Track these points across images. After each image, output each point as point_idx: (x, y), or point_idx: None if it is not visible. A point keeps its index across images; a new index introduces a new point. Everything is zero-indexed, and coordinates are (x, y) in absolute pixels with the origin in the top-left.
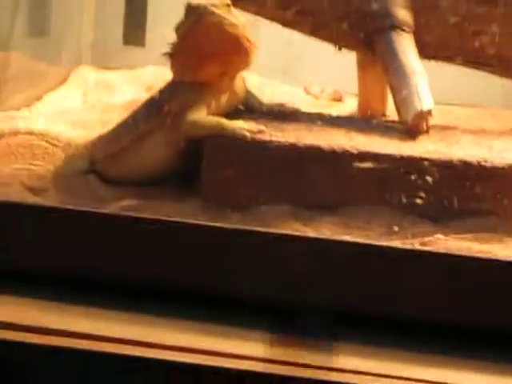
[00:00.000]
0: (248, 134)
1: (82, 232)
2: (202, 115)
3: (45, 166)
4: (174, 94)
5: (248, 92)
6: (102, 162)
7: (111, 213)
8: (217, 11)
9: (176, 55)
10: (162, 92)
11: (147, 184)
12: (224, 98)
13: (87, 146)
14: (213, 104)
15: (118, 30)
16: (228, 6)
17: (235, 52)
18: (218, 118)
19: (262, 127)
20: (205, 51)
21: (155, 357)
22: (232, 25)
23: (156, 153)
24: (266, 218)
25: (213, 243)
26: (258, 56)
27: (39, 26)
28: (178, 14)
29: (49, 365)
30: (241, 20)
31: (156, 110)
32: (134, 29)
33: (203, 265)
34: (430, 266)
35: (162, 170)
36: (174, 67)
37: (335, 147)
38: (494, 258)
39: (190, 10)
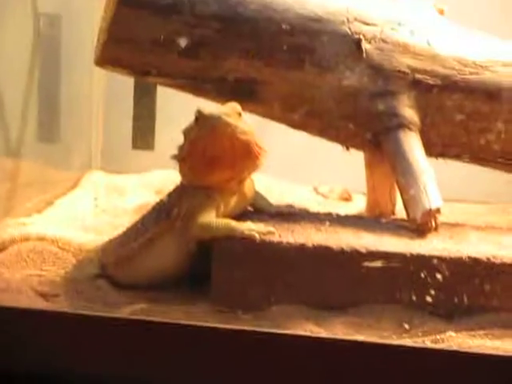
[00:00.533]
0: (257, 236)
1: (94, 336)
2: (211, 217)
3: (56, 271)
4: (182, 197)
5: (257, 193)
6: (112, 266)
7: (122, 317)
8: (230, 121)
9: (185, 160)
10: (170, 195)
11: (158, 287)
12: (233, 200)
13: (97, 251)
14: (222, 206)
15: (127, 134)
16: (239, 114)
17: (245, 158)
18: (227, 219)
19: (271, 228)
20: (215, 158)
21: None
22: (244, 133)
23: (166, 256)
24: (277, 319)
25: (225, 345)
26: (267, 158)
27: (49, 132)
28: (187, 118)
29: None
30: (251, 126)
31: (165, 214)
32: (143, 133)
33: (215, 367)
34: (442, 364)
35: (172, 273)
36: (182, 171)
37: (344, 247)
38: (506, 354)
39: (203, 118)
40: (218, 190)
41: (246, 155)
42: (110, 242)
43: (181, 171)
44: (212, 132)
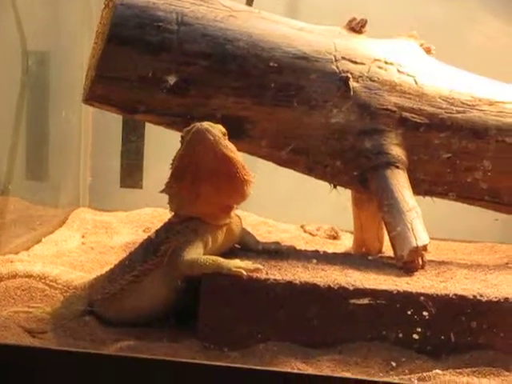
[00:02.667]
0: (244, 273)
1: (81, 373)
2: (198, 254)
3: (43, 308)
4: (170, 235)
5: (244, 230)
6: (99, 303)
7: (109, 354)
8: (212, 131)
9: (172, 186)
10: (158, 233)
11: (145, 324)
12: (221, 237)
13: (85, 288)
14: (209, 243)
15: (116, 172)
16: (224, 134)
17: (229, 176)
18: (215, 256)
19: (259, 265)
20: (199, 172)
21: None
22: (227, 147)
23: (153, 293)
24: (264, 356)
25: (211, 382)
26: (254, 195)
27: (37, 169)
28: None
29: None
30: (237, 151)
31: (153, 251)
32: (131, 171)
33: None
34: None
35: (159, 310)
36: (170, 200)
37: (331, 284)
38: None
39: (187, 132)
40: (206, 225)
41: (229, 172)
42: (98, 278)
43: (170, 202)
44: (194, 137)
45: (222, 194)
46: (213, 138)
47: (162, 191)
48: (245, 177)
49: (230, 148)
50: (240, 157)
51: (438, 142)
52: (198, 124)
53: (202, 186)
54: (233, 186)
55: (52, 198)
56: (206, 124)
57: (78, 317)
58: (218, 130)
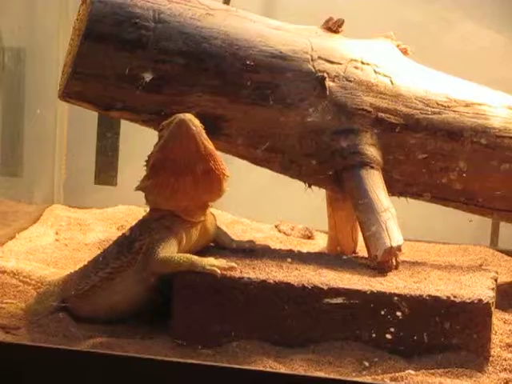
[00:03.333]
0: (218, 271)
1: (54, 369)
2: (172, 252)
3: (16, 304)
4: (144, 232)
5: (219, 229)
6: (73, 299)
7: (82, 350)
8: (196, 122)
9: (149, 178)
10: (132, 230)
11: (118, 321)
12: (195, 235)
13: (58, 284)
14: (184, 241)
15: (90, 169)
16: (203, 127)
17: (209, 170)
18: (189, 254)
19: (233, 264)
20: (180, 162)
21: None
22: (207, 141)
23: (127, 290)
24: (237, 354)
25: (183, 379)
26: (229, 194)
27: (11, 166)
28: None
29: None
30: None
31: (127, 248)
32: (106, 168)
33: None
34: None
35: (132, 307)
36: (147, 193)
37: (305, 283)
38: None
39: (168, 122)
40: (180, 222)
41: (209, 166)
42: (71, 275)
43: (146, 197)
44: (178, 128)
45: (200, 189)
46: (195, 129)
47: (137, 188)
48: (223, 172)
49: (209, 141)
50: (215, 151)
51: (414, 142)
52: (180, 115)
53: (181, 180)
54: (211, 181)
55: (26, 194)
56: (188, 115)
57: (51, 313)
58: (198, 122)
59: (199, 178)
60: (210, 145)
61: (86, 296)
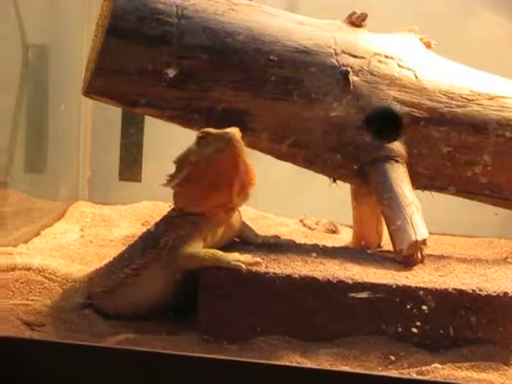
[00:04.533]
0: (244, 266)
1: (80, 365)
2: (197, 248)
3: (42, 301)
4: (169, 228)
5: (244, 224)
6: (98, 296)
7: (108, 346)
8: (239, 138)
9: (181, 185)
10: (158, 226)
11: (144, 317)
12: (220, 231)
13: (84, 281)
14: (209, 236)
15: (115, 165)
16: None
17: (244, 182)
18: (214, 250)
19: (258, 259)
20: (218, 178)
21: None
22: (247, 155)
23: (152, 286)
24: (263, 349)
25: (210, 375)
26: (254, 189)
27: (36, 162)
28: (174, 150)
29: None
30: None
31: (152, 244)
32: (130, 164)
33: None
34: None
35: (158, 303)
36: (176, 197)
37: (330, 278)
38: None
39: (212, 137)
40: (205, 220)
41: (245, 179)
42: (97, 271)
43: (175, 197)
44: (227, 147)
45: (232, 200)
46: (240, 147)
47: (166, 185)
48: (252, 181)
49: (247, 154)
50: None
51: (438, 136)
52: (228, 132)
53: (216, 192)
54: (244, 192)
55: (51, 190)
56: (233, 131)
57: (76, 310)
58: (240, 135)
59: (234, 190)
60: (247, 159)
61: (111, 292)
